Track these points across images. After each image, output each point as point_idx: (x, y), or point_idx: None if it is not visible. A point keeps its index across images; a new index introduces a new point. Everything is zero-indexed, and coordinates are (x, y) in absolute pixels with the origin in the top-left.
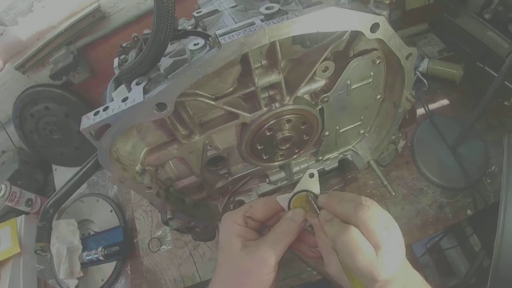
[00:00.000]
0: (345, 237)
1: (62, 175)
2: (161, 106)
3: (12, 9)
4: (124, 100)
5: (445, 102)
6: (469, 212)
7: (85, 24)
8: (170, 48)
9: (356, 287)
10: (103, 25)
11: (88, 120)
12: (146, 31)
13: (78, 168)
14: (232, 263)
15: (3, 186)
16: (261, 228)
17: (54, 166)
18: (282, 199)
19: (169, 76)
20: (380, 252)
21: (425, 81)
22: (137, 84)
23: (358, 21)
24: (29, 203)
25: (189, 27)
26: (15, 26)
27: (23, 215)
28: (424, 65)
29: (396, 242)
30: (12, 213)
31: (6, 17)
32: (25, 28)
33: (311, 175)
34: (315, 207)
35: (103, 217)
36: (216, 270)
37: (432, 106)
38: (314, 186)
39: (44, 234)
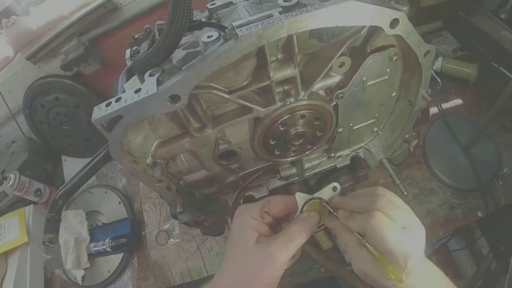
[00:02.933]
0: (372, 222)
1: (71, 165)
2: (175, 98)
3: None
4: (137, 91)
5: (458, 101)
6: (479, 214)
7: (97, 15)
8: (183, 40)
9: (391, 273)
10: (115, 16)
11: (100, 111)
12: (161, 21)
13: (87, 159)
14: (242, 256)
15: (12, 175)
16: (275, 225)
17: (63, 157)
18: (301, 197)
19: (183, 68)
20: (407, 231)
21: (439, 80)
22: (151, 75)
23: (378, 15)
24: (38, 193)
25: (203, 19)
26: (26, 16)
27: (32, 205)
28: (438, 64)
29: (418, 222)
30: (20, 203)
31: (18, 7)
32: (37, 18)
33: (334, 189)
34: (332, 211)
35: (111, 209)
36: (225, 261)
37: (445, 106)
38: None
39: (52, 226)
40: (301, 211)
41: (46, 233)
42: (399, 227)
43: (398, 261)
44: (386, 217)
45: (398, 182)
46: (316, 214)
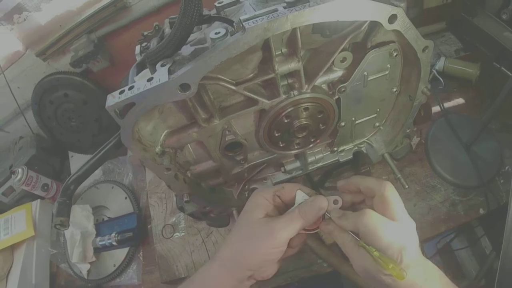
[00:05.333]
0: (364, 220)
1: (78, 162)
2: (185, 87)
3: None
4: (150, 80)
5: (460, 101)
6: (481, 211)
7: (107, 13)
8: (191, 37)
9: (392, 271)
10: (124, 15)
11: (114, 98)
12: (172, 16)
13: None
14: (246, 227)
15: (20, 170)
16: (284, 211)
17: (70, 153)
18: (300, 195)
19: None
20: (399, 223)
21: (441, 79)
22: (162, 65)
23: (377, 11)
24: (45, 188)
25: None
26: (38, 12)
27: (39, 200)
28: (440, 64)
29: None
30: (28, 197)
31: (30, 3)
32: (48, 14)
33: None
34: (327, 215)
35: (118, 204)
36: (230, 233)
37: (447, 105)
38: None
39: (64, 209)
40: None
41: (57, 216)
42: (390, 220)
43: (394, 255)
44: (376, 213)
45: (399, 176)
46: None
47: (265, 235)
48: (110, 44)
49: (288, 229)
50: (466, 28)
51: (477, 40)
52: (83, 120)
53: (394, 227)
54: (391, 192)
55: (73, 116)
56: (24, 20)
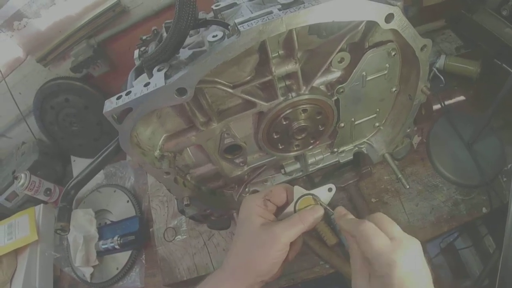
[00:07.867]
0: (361, 227)
1: (80, 166)
2: (181, 91)
3: (35, 1)
4: (146, 85)
5: (461, 98)
6: (484, 210)
7: (106, 18)
8: (189, 40)
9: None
10: (123, 19)
11: (111, 104)
12: (168, 21)
13: None
14: (249, 236)
15: (23, 175)
16: (278, 213)
17: (72, 158)
18: (298, 190)
19: (189, 64)
20: (394, 240)
21: (441, 77)
22: (159, 70)
23: (373, 11)
24: (48, 192)
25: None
26: (38, 19)
27: (42, 204)
28: (441, 62)
29: (411, 237)
30: (31, 202)
31: (29, 10)
32: (48, 20)
33: (330, 190)
34: (325, 207)
35: (120, 208)
36: (233, 244)
37: (448, 103)
38: (326, 198)
39: (65, 214)
40: (296, 203)
41: (58, 221)
42: (387, 237)
43: (381, 268)
44: (375, 226)
45: (400, 176)
46: (321, 209)
47: (269, 240)
48: (110, 48)
49: (288, 232)
50: (466, 25)
51: (477, 37)
52: (84, 125)
53: (387, 242)
54: (385, 217)
55: (75, 121)
56: (24, 27)
